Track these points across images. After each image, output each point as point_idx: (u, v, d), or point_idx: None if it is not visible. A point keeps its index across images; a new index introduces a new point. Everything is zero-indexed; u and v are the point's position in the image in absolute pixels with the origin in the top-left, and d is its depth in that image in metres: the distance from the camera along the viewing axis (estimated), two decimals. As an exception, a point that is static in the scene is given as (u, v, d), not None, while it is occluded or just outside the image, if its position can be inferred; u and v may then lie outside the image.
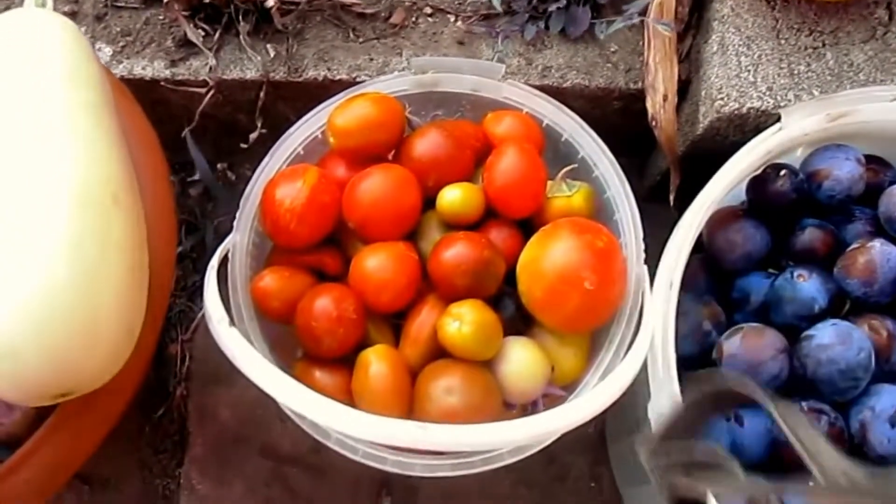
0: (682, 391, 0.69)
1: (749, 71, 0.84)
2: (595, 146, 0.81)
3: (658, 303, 0.72)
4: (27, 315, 0.56)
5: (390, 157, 0.81)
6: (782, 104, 0.83)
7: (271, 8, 0.88)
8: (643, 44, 0.91)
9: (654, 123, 0.92)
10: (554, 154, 0.83)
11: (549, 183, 0.80)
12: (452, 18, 0.93)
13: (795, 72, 0.85)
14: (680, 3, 0.90)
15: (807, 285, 0.76)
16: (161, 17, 0.92)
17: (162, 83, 0.89)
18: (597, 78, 0.92)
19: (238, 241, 0.77)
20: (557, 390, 0.76)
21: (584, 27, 0.91)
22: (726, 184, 0.76)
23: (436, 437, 0.59)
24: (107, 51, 0.90)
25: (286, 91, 0.91)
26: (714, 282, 0.84)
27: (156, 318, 0.71)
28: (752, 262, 0.82)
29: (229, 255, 0.76)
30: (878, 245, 0.76)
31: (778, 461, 0.74)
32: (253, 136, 0.92)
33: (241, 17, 0.89)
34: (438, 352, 0.73)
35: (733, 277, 0.83)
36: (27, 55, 0.64)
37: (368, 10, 0.92)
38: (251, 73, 0.90)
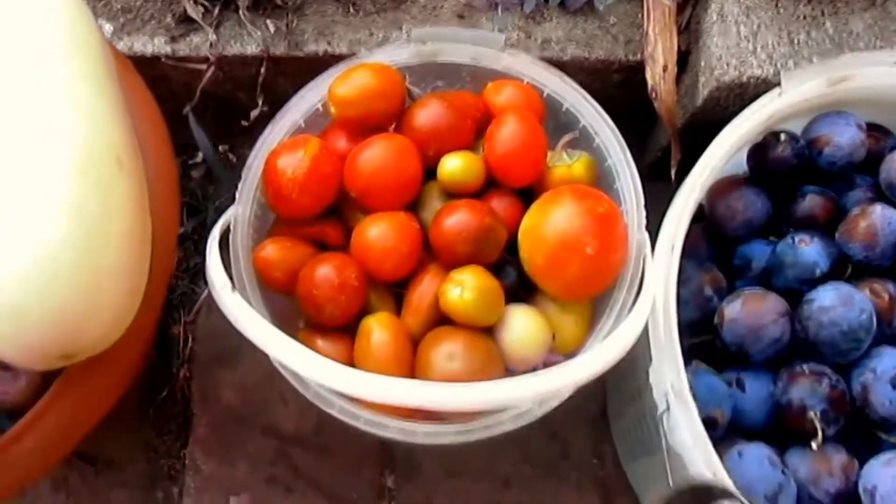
0: (682, 355, 0.69)
1: (748, 40, 0.84)
2: (596, 115, 0.81)
3: (659, 267, 0.72)
4: (30, 276, 0.57)
5: (391, 129, 0.81)
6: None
7: (270, -18, 0.88)
8: (642, 15, 0.91)
9: (653, 95, 0.91)
10: (555, 124, 0.83)
11: (550, 153, 0.80)
12: (452, -8, 0.93)
13: (795, 40, 0.84)
14: (679, -27, 0.90)
15: (808, 250, 0.76)
16: (161, -7, 0.92)
17: (163, 59, 0.90)
18: (596, 50, 0.92)
19: (240, 213, 0.77)
20: (559, 358, 0.76)
21: (584, -1, 0.92)
22: (726, 149, 0.76)
23: (436, 395, 0.59)
24: (108, 28, 0.90)
25: (286, 66, 0.92)
26: (715, 249, 0.84)
27: (159, 284, 0.71)
28: (754, 229, 0.82)
29: (231, 226, 0.76)
30: (878, 209, 0.76)
31: (780, 427, 0.74)
32: (254, 113, 0.92)
33: (240, -8, 0.90)
34: (440, 320, 0.74)
35: (735, 245, 0.83)
36: (29, 22, 0.64)
37: (368, -15, 0.92)
38: (251, 49, 0.90)
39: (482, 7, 0.92)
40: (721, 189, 0.83)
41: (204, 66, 0.90)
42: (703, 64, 0.87)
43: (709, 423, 0.70)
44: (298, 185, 0.74)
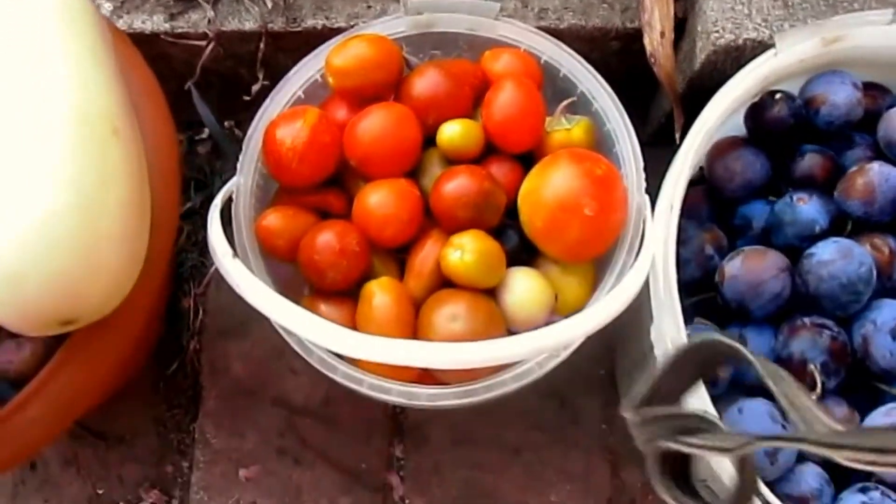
0: (683, 314, 0.70)
1: (743, 3, 0.84)
2: (594, 80, 0.81)
3: (658, 227, 0.72)
4: (29, 241, 0.58)
5: (391, 99, 0.81)
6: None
7: (267, -42, 0.89)
8: (638, -18, 0.92)
9: (652, 61, 0.92)
10: (553, 91, 0.83)
11: (549, 118, 0.80)
12: (450, -37, 0.93)
13: (790, 3, 0.85)
14: (674, -62, 0.90)
15: (807, 208, 0.76)
16: (159, -29, 0.93)
17: (162, 36, 0.90)
18: (593, 18, 0.92)
19: (242, 184, 0.78)
20: (561, 319, 0.76)
21: (580, -33, 0.92)
22: (723, 109, 0.77)
23: (437, 354, 0.60)
24: (107, 6, 0.91)
25: (285, 42, 0.92)
26: (716, 211, 0.85)
27: (161, 253, 0.71)
28: (753, 190, 0.82)
29: (234, 197, 0.77)
30: (876, 166, 0.76)
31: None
32: (255, 87, 0.92)
33: (237, -31, 0.90)
34: (442, 284, 0.74)
35: (735, 206, 0.83)
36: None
37: (365, -42, 0.93)
38: (250, 25, 0.91)
39: (478, -23, 0.93)
40: (720, 150, 0.83)
41: (203, 43, 0.90)
42: (699, 29, 0.87)
43: (710, 380, 0.70)
44: (298, 155, 0.75)
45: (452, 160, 0.78)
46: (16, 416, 0.66)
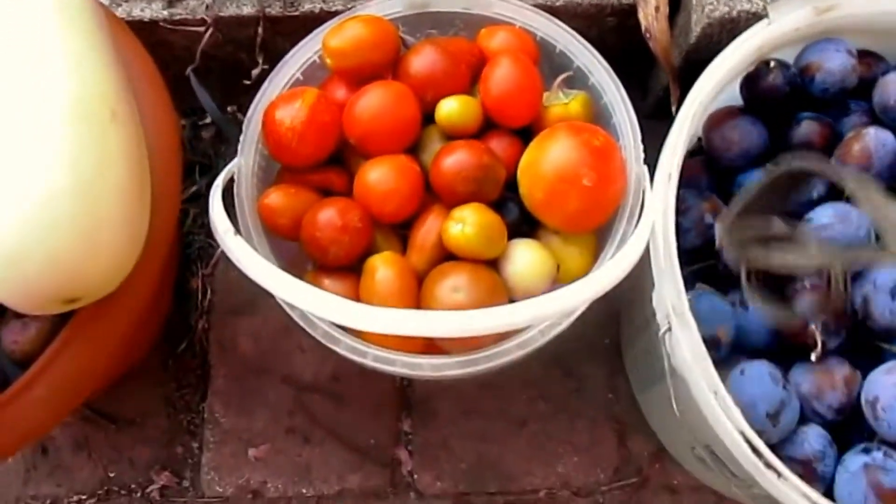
0: (683, 280, 0.70)
1: (738, -26, 0.85)
2: (589, 55, 0.82)
3: (658, 195, 0.73)
4: (30, 221, 0.59)
5: (388, 79, 0.82)
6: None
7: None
8: (631, -43, 0.92)
9: (647, 36, 0.92)
10: (550, 67, 0.84)
11: (546, 94, 0.81)
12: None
13: (783, -27, 0.85)
14: (666, -88, 0.91)
15: (805, 174, 0.77)
16: (154, -43, 0.94)
17: (161, 24, 0.91)
18: (588, -6, 0.93)
19: (243, 165, 0.78)
20: (563, 288, 0.77)
21: (574, -57, 0.92)
22: (718, 78, 0.77)
23: (441, 322, 0.60)
24: (106, -6, 0.92)
25: (283, 26, 0.93)
26: (715, 181, 0.85)
27: (163, 235, 0.72)
28: (751, 159, 0.82)
29: (235, 178, 0.78)
30: (872, 131, 0.76)
31: (782, 345, 0.75)
32: (255, 71, 0.93)
33: (233, -47, 0.91)
34: (444, 258, 0.75)
35: (733, 175, 0.84)
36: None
37: (362, -60, 0.93)
38: (247, 9, 0.91)
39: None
40: (717, 121, 0.83)
41: (202, 29, 0.91)
42: (693, 2, 0.88)
43: (712, 343, 0.71)
44: (298, 134, 0.75)
45: (452, 136, 0.78)
46: (23, 395, 0.67)
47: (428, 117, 0.79)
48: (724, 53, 0.78)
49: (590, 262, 0.78)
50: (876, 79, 0.82)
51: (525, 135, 0.80)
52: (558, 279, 0.76)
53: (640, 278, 0.74)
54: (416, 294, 0.73)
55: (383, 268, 0.73)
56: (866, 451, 0.69)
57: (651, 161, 0.76)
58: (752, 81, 0.82)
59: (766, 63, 0.81)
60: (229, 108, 1.04)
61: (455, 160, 0.74)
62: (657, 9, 0.92)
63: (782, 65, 0.80)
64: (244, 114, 0.81)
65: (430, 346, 0.73)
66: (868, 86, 0.82)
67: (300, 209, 0.76)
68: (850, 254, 0.51)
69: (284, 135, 0.75)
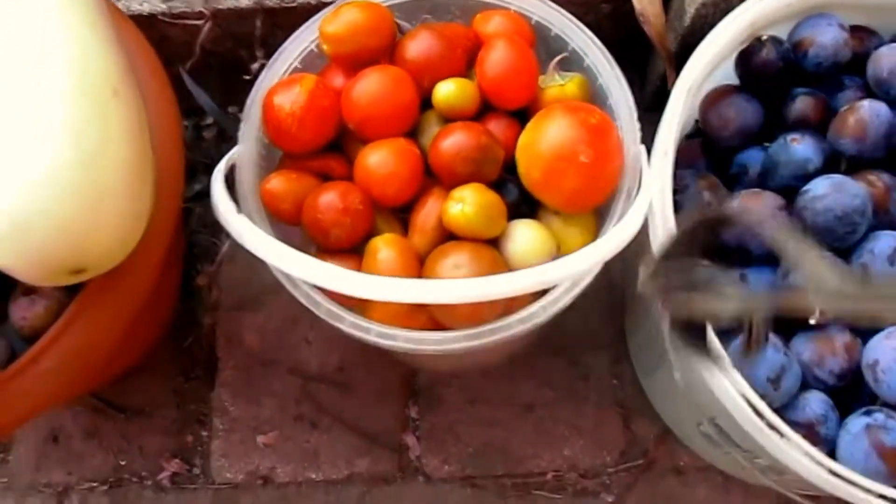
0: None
1: (730, -46, 0.86)
2: (584, 37, 0.82)
3: (655, 171, 0.74)
4: (36, 190, 0.60)
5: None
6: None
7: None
8: (624, -60, 0.93)
9: (642, 19, 0.93)
10: (545, 50, 0.85)
11: (542, 77, 0.81)
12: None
13: (776, -49, 0.86)
14: None
15: (800, 147, 0.78)
16: (152, -50, 0.95)
17: (160, 17, 0.92)
18: (582, -20, 0.93)
19: (244, 152, 0.79)
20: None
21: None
22: (712, 54, 0.78)
23: (439, 290, 0.61)
24: (105, -11, 0.93)
25: (281, 18, 0.94)
26: (713, 162, 0.86)
27: (167, 216, 0.74)
28: (748, 137, 0.83)
29: (237, 166, 0.78)
30: (867, 103, 0.77)
31: (784, 321, 0.75)
32: (254, 66, 0.94)
33: (230, -56, 0.92)
34: (445, 240, 0.76)
35: (731, 155, 0.85)
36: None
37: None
38: (245, 1, 0.92)
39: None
40: (713, 99, 0.84)
41: (201, 22, 0.92)
42: (687, -17, 0.88)
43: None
44: (297, 119, 0.76)
45: (449, 119, 0.79)
46: (30, 368, 0.69)
47: (426, 103, 0.80)
48: (716, 29, 0.79)
49: (589, 241, 0.78)
50: (869, 53, 0.83)
51: (522, 117, 0.80)
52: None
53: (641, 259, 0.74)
54: (418, 274, 0.74)
55: (385, 248, 0.73)
56: (868, 413, 0.70)
57: (649, 150, 0.77)
58: (746, 58, 0.82)
59: (759, 39, 0.81)
60: (230, 109, 1.05)
61: (453, 141, 0.75)
62: (651, -9, 0.92)
63: (775, 40, 0.81)
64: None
65: (433, 324, 0.74)
66: (862, 61, 0.83)
67: (301, 194, 0.77)
68: (771, 301, 0.52)
69: (284, 120, 0.76)
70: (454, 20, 0.87)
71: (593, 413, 1.02)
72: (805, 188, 0.75)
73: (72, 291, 0.72)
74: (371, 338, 0.71)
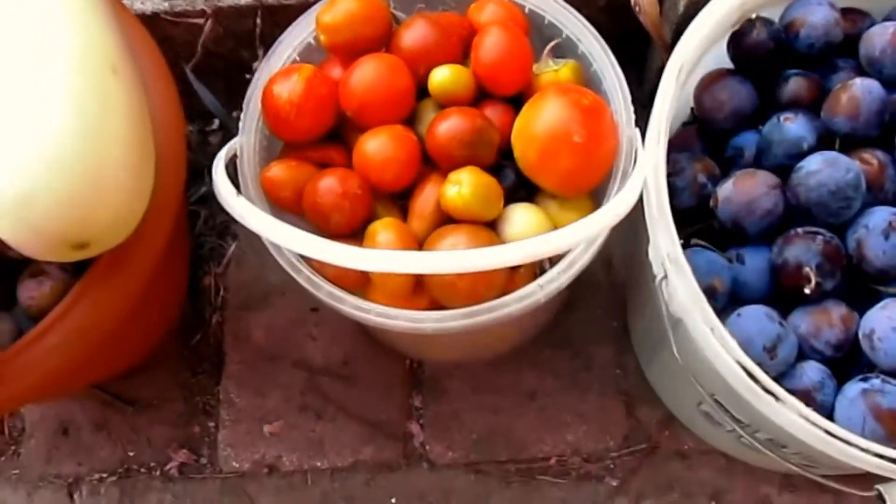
0: (681, 242, 0.72)
1: (721, -60, 0.86)
2: (577, 24, 0.83)
3: (649, 149, 0.75)
4: (37, 164, 0.62)
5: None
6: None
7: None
8: (616, -70, 0.94)
9: (637, 10, 0.94)
10: (539, 39, 0.85)
11: (536, 63, 0.83)
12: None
13: (766, -65, 0.87)
14: None
15: (794, 126, 0.78)
16: (152, -50, 0.97)
17: (162, 16, 0.94)
18: (576, -28, 0.94)
19: (245, 143, 0.80)
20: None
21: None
22: (703, 35, 0.79)
23: (438, 260, 0.62)
24: (107, -11, 0.95)
25: (281, 16, 0.95)
26: (708, 147, 0.87)
27: (169, 198, 0.76)
28: (742, 119, 0.84)
29: (238, 157, 0.80)
30: (859, 81, 0.78)
31: (780, 292, 0.76)
32: (256, 64, 0.95)
33: (229, -58, 0.94)
34: (443, 224, 0.77)
35: (726, 139, 0.85)
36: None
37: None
38: (245, -1, 0.94)
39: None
40: (706, 83, 0.85)
41: (202, 21, 0.94)
42: (679, -29, 0.89)
43: (709, 293, 0.72)
44: (296, 108, 0.77)
45: (445, 106, 0.80)
46: (37, 343, 0.71)
47: (423, 93, 0.81)
48: (707, 9, 0.80)
49: (586, 224, 0.79)
50: (861, 35, 0.83)
51: (518, 103, 0.81)
52: (556, 242, 0.77)
53: (642, 264, 0.76)
54: (417, 256, 0.75)
55: (384, 231, 0.75)
56: (865, 379, 0.70)
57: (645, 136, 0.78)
58: (738, 39, 0.83)
59: (750, 20, 0.82)
60: (234, 113, 1.07)
61: (449, 125, 0.76)
62: (643, -20, 0.93)
63: (766, 21, 0.82)
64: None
65: (433, 304, 0.75)
66: (854, 43, 0.83)
67: (302, 182, 0.78)
68: None
69: (283, 108, 0.77)
70: (448, 10, 0.88)
71: (596, 400, 1.02)
72: (799, 165, 0.76)
73: (77, 273, 0.73)
74: (372, 317, 0.72)
